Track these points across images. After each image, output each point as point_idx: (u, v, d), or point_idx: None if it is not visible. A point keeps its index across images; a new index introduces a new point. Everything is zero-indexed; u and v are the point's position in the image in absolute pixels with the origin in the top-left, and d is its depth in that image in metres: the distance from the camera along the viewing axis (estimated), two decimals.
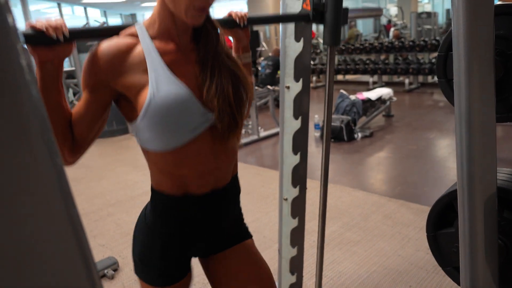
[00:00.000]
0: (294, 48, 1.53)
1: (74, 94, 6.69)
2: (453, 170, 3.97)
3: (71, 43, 0.87)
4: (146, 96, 0.89)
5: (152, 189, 1.05)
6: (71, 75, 6.43)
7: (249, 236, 1.22)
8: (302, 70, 1.56)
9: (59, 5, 11.36)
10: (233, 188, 1.12)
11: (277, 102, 6.98)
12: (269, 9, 9.58)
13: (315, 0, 1.30)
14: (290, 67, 1.57)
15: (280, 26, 1.57)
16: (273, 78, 6.94)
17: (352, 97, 5.33)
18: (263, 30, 9.72)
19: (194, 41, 0.99)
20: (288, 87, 1.60)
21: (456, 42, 0.96)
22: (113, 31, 0.96)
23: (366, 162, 4.46)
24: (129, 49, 0.92)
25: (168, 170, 0.97)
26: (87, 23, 7.14)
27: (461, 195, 1.04)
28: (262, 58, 8.27)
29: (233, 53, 1.15)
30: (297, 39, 1.52)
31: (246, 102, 1.00)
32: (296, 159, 1.68)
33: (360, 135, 5.13)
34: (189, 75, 0.95)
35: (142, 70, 0.91)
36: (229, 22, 1.08)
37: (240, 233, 1.19)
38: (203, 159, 0.97)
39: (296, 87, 1.57)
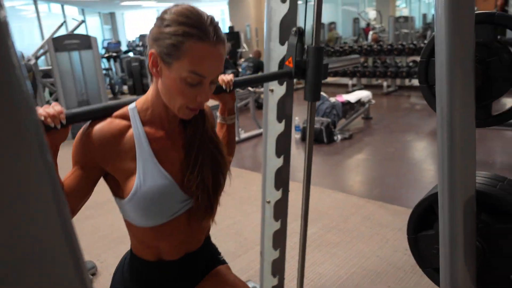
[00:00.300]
0: (279, 51, 1.54)
1: (51, 94, 6.53)
2: (430, 172, 4.07)
3: (67, 127, 0.87)
4: (133, 184, 0.93)
5: (131, 251, 1.11)
6: (47, 74, 6.28)
7: (223, 263, 1.24)
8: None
9: (35, 2, 11.06)
10: (207, 247, 1.17)
11: (257, 104, 7.00)
12: (250, 11, 9.59)
13: (297, 58, 1.36)
14: (274, 70, 1.57)
15: (265, 29, 1.57)
16: None
17: (332, 99, 5.39)
18: (244, 31, 9.72)
19: (182, 124, 1.03)
20: (272, 90, 1.61)
21: (439, 50, 0.98)
22: (108, 110, 0.96)
23: (346, 164, 4.52)
24: (121, 133, 0.94)
25: (146, 241, 1.04)
26: (64, 21, 6.97)
27: (442, 198, 1.07)
28: (242, 60, 8.27)
29: (219, 115, 1.20)
30: (281, 42, 1.53)
31: (223, 186, 1.06)
32: (279, 162, 1.68)
33: (339, 137, 5.19)
34: (174, 161, 0.99)
35: (131, 156, 0.94)
36: (216, 88, 1.10)
37: (214, 264, 1.21)
38: (179, 235, 1.04)
39: (280, 90, 1.58)
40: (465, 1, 0.96)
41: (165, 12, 0.90)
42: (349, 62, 1.85)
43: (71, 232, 0.28)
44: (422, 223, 1.30)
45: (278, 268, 1.87)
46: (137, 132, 0.95)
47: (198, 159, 0.99)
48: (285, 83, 1.56)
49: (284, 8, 1.49)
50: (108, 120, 0.95)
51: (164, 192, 0.96)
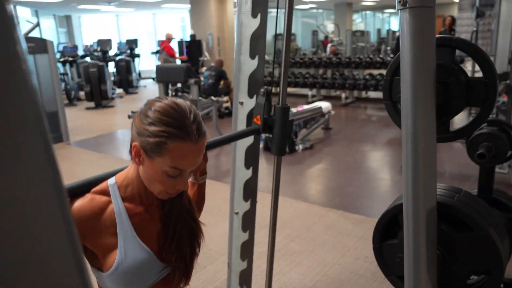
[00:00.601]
0: (249, 65, 1.57)
1: None
2: (386, 181, 4.24)
3: None
4: (114, 259, 0.94)
5: None
6: None
7: None
8: (255, 86, 1.60)
9: None
10: None
11: (219, 113, 7.00)
12: (212, 20, 9.61)
13: (265, 115, 1.46)
14: (244, 83, 1.60)
15: (235, 43, 1.60)
16: (215, 89, 6.95)
17: (293, 109, 5.50)
18: (206, 40, 9.72)
19: (160, 199, 1.05)
20: (241, 103, 1.63)
21: (404, 71, 1.05)
22: (86, 187, 0.97)
23: (307, 174, 4.62)
24: (102, 210, 0.95)
25: None
26: (18, 22, 6.66)
27: (406, 209, 1.13)
28: (204, 68, 8.26)
29: (191, 177, 1.22)
30: (251, 56, 1.56)
31: (199, 253, 1.10)
32: (248, 173, 1.70)
33: (301, 147, 5.30)
34: (153, 234, 1.02)
35: (112, 232, 0.95)
36: None
37: None
38: None
39: (250, 103, 1.60)
40: (427, 27, 1.03)
41: (149, 106, 0.90)
42: (312, 113, 2.02)
43: (74, 233, 0.29)
44: (386, 233, 1.37)
45: (245, 279, 1.88)
46: (117, 208, 0.96)
47: (176, 231, 1.03)
48: (254, 96, 1.59)
49: (255, 23, 1.53)
50: (89, 197, 0.95)
51: (144, 265, 0.98)
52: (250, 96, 1.61)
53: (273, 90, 1.53)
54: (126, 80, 10.61)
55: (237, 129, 1.67)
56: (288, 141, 5.45)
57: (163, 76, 4.82)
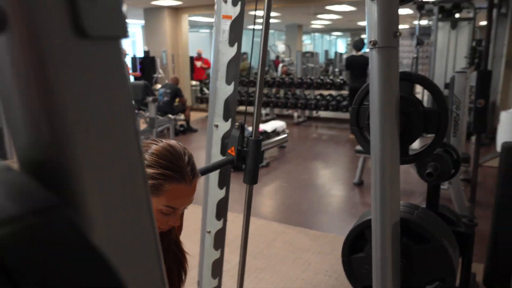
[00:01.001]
0: (225, 90, 1.66)
1: None
2: (340, 198, 4.45)
3: None
4: None
5: None
6: None
7: None
8: (230, 110, 1.69)
9: None
10: None
11: (176, 131, 6.98)
12: (166, 38, 9.61)
13: (239, 147, 1.60)
14: (220, 107, 1.68)
15: (211, 69, 1.69)
16: (171, 106, 6.94)
17: (250, 128, 5.62)
18: (160, 57, 9.68)
19: None
20: (216, 126, 1.71)
21: (372, 101, 1.19)
22: None
23: (265, 191, 4.73)
24: None
25: None
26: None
27: (375, 224, 1.26)
28: (159, 85, 8.21)
29: None
30: (227, 82, 1.66)
31: (185, 280, 1.19)
32: (221, 193, 1.78)
33: None
34: None
35: None
36: None
37: None
38: None
39: (225, 126, 1.69)
40: (392, 64, 1.19)
41: (145, 149, 0.93)
42: (279, 142, 2.21)
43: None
44: (354, 247, 1.49)
45: None
46: None
47: (165, 263, 1.10)
48: (230, 119, 1.68)
49: (232, 51, 1.62)
50: None
51: None
52: (225, 119, 1.70)
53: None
54: None
55: (211, 149, 1.74)
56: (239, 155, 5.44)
57: None
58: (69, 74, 0.31)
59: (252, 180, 1.66)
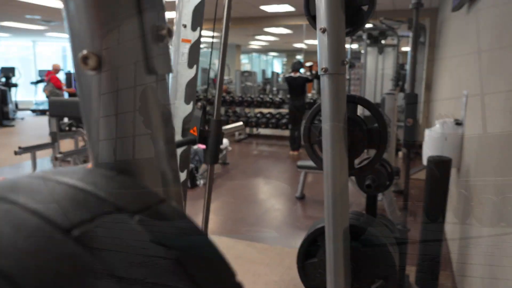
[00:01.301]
0: (184, 109, 1.74)
1: None
2: (283, 212, 4.63)
3: None
4: None
5: None
6: None
7: None
8: (187, 129, 1.77)
9: None
10: None
11: None
12: None
13: (201, 128, 1.68)
14: (178, 125, 1.76)
15: (170, 89, 1.76)
16: None
17: (194, 146, 5.66)
18: None
19: None
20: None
21: (324, 121, 1.35)
22: None
23: (212, 208, 4.74)
24: None
25: None
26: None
27: (328, 230, 1.40)
28: None
29: None
30: (186, 102, 1.74)
31: None
32: (182, 176, 1.84)
33: (202, 181, 5.45)
34: None
35: None
36: None
37: None
38: None
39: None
40: (340, 88, 1.35)
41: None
42: (236, 129, 2.33)
43: None
44: (307, 253, 1.63)
45: None
46: None
47: None
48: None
49: (191, 73, 1.72)
50: None
51: None
52: (183, 136, 1.77)
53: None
54: (1, 111, 9.59)
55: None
56: (190, 175, 5.49)
57: (58, 110, 4.59)
58: (142, 103, 0.40)
59: (213, 159, 1.72)
